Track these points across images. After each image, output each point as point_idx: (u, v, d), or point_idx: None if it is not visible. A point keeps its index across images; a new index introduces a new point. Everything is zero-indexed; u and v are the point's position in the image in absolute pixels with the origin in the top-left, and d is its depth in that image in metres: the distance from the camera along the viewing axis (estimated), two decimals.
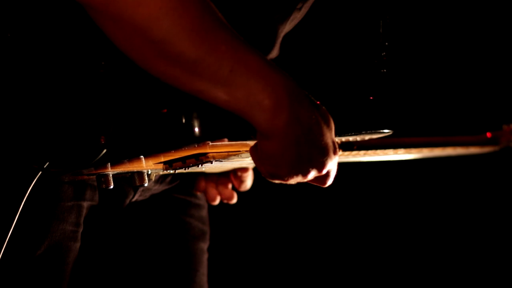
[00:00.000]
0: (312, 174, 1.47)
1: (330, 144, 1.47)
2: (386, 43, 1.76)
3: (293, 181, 1.47)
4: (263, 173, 1.48)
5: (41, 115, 1.51)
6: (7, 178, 1.55)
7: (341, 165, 2.15)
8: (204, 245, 2.05)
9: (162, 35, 1.35)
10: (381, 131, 1.71)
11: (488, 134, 2.59)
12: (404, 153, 2.23)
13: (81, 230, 1.72)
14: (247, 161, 1.77)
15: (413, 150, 2.26)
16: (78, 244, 1.72)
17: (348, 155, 1.97)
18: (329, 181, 1.53)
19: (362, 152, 2.02)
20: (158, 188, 1.94)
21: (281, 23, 1.68)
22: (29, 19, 1.52)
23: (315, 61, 1.95)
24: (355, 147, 1.98)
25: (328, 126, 1.46)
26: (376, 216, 3.50)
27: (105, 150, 1.44)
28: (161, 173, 1.79)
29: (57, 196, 1.65)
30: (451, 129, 3.13)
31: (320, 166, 1.46)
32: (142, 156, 1.54)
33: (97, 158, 1.45)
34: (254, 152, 1.47)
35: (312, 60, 1.95)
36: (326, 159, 1.46)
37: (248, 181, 2.08)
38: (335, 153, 1.48)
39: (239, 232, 3.42)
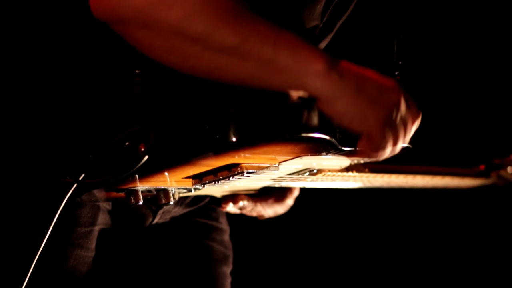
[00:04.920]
0: (392, 100, 1.45)
1: (382, 78, 1.46)
2: (400, 62, 1.77)
3: (388, 121, 1.44)
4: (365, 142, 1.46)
5: (79, 127, 1.49)
6: (42, 192, 1.52)
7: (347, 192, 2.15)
8: (227, 269, 2.02)
9: (201, 29, 1.35)
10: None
11: (482, 167, 2.63)
12: (408, 180, 2.24)
13: (93, 255, 1.68)
14: (271, 177, 1.75)
15: (417, 176, 2.27)
16: (90, 269, 1.68)
17: (361, 176, 1.97)
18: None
19: (372, 174, 2.02)
20: (178, 210, 1.91)
21: None
22: (61, 37, 1.52)
23: None
24: (366, 170, 1.99)
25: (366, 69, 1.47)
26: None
27: (147, 157, 1.41)
28: (181, 194, 1.76)
29: (73, 221, 1.62)
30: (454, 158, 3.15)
31: (392, 90, 1.46)
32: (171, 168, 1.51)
33: (139, 165, 1.42)
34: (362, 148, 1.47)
35: None
36: (392, 85, 1.46)
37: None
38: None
39: (263, 256, 3.38)
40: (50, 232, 1.51)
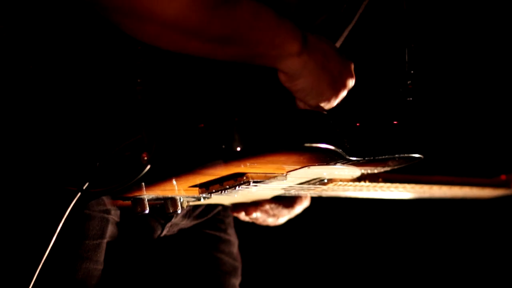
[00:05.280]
0: (349, 82, 1.57)
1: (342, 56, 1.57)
2: (412, 71, 1.75)
3: (339, 97, 1.57)
4: (312, 107, 1.55)
5: (83, 136, 1.49)
6: (46, 201, 1.51)
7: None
8: (236, 281, 2.00)
9: (195, 24, 1.37)
10: (412, 155, 1.68)
11: (503, 177, 2.58)
12: (423, 190, 2.21)
13: (102, 267, 1.67)
14: (281, 186, 1.74)
15: (434, 186, 2.24)
16: (98, 282, 1.67)
17: (374, 186, 1.94)
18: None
19: (387, 184, 1.99)
20: (187, 223, 1.89)
21: None
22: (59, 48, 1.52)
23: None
24: (380, 180, 1.96)
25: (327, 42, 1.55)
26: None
27: (149, 166, 1.40)
28: (191, 203, 1.74)
29: (81, 233, 1.61)
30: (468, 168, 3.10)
31: (350, 72, 1.57)
32: (176, 177, 1.49)
33: (141, 175, 1.41)
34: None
35: None
36: (350, 65, 1.58)
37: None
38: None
39: (271, 268, 3.37)
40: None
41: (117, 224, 1.71)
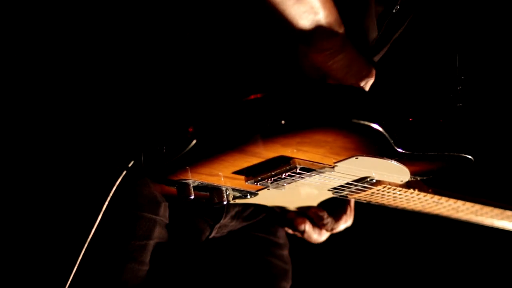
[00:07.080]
0: None
1: None
2: (462, 77, 1.73)
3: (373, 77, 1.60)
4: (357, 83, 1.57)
5: (127, 116, 1.50)
6: (93, 181, 1.52)
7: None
8: (287, 284, 1.97)
9: None
10: (463, 155, 1.65)
11: None
12: (476, 209, 2.15)
13: (147, 268, 1.66)
14: (329, 185, 1.71)
15: (486, 208, 2.17)
16: (143, 283, 1.66)
17: (425, 196, 1.89)
18: None
19: (436, 197, 1.94)
20: (236, 224, 1.88)
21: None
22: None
23: (391, 92, 1.91)
24: (430, 190, 1.92)
25: None
26: None
27: (195, 141, 1.40)
28: (237, 200, 1.72)
29: (129, 233, 1.61)
30: None
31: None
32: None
33: (188, 149, 1.40)
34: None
35: (388, 92, 1.92)
36: None
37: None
38: None
39: (322, 272, 3.30)
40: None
41: (166, 226, 1.69)
